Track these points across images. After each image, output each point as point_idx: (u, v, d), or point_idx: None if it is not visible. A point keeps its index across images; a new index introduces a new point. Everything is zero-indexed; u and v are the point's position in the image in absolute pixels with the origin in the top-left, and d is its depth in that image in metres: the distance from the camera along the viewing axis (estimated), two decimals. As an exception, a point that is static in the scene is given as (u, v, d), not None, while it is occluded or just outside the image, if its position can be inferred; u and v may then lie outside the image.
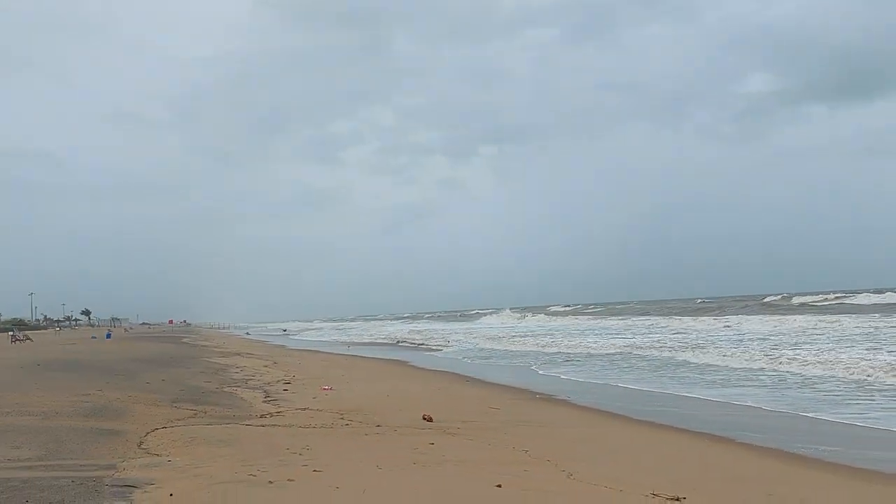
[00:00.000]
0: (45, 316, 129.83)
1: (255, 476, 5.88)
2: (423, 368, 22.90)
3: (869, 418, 10.22)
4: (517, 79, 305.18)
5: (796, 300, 61.06)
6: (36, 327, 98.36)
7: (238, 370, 20.52)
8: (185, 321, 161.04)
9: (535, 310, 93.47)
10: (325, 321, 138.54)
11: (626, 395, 14.22)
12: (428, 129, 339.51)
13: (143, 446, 7.28)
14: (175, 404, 11.22)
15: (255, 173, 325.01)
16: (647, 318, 55.06)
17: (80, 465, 6.12)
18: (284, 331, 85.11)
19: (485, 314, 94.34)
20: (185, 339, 51.31)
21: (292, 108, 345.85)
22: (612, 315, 66.67)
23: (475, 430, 9.38)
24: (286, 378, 17.60)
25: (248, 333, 78.66)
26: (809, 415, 10.76)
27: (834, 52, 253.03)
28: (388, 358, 28.61)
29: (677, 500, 5.65)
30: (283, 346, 41.82)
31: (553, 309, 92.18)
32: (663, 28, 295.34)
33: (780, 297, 65.98)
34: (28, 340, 49.14)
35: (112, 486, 5.36)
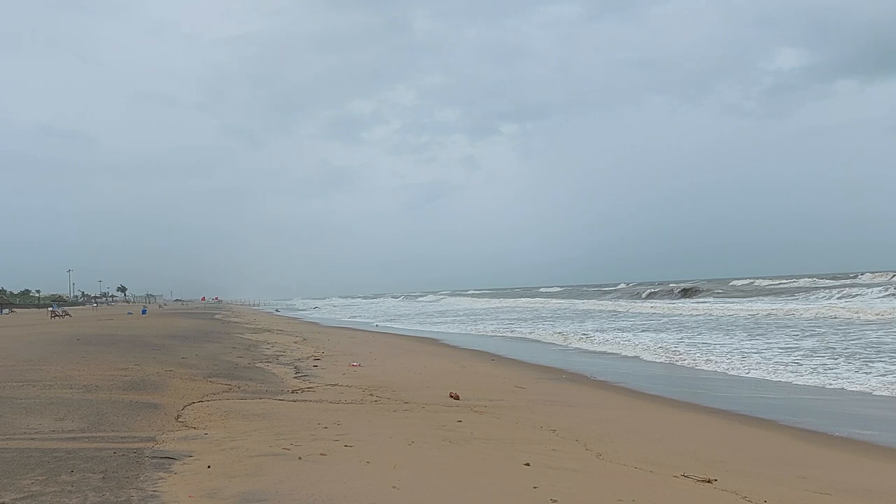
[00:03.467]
0: (83, 292, 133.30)
1: (288, 450, 6.00)
2: (448, 345, 23.05)
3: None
4: (538, 56, 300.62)
5: (760, 283, 60.31)
6: (74, 303, 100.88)
7: (269, 346, 20.87)
8: (216, 298, 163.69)
9: (527, 292, 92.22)
10: (341, 298, 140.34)
11: (656, 375, 14.16)
12: (449, 107, 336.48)
13: (180, 419, 7.47)
14: (210, 379, 11.47)
15: (279, 152, 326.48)
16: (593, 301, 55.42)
17: (122, 437, 6.32)
18: (316, 308, 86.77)
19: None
20: (217, 316, 52.25)
21: (315, 88, 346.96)
22: (575, 298, 66.07)
23: (502, 409, 9.43)
24: (315, 354, 17.86)
25: (277, 311, 79.91)
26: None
27: (867, 28, 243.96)
28: (413, 336, 28.86)
29: (708, 481, 5.63)
30: (312, 324, 42.37)
31: (543, 290, 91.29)
32: (687, 3, 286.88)
33: (747, 281, 64.98)
34: (67, 316, 50.50)
35: (152, 457, 5.53)
